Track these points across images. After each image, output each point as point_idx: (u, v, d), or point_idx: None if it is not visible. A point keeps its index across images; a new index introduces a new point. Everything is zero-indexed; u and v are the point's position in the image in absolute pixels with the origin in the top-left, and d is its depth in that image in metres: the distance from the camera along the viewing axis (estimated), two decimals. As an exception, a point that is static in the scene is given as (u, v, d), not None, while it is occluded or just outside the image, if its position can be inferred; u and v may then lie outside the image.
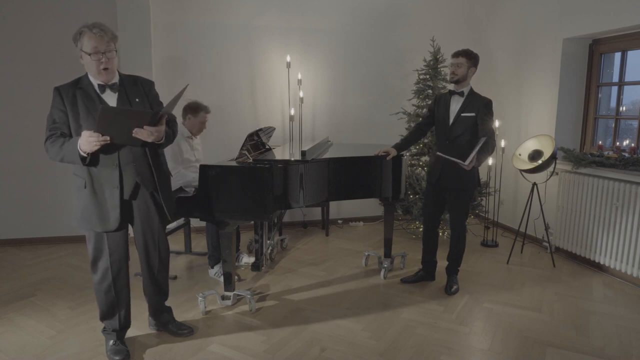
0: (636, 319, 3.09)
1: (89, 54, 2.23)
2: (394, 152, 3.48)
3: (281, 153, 3.63)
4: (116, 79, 2.38)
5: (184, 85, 2.45)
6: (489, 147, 3.20)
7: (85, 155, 2.19)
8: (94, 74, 2.30)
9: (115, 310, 2.55)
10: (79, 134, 2.24)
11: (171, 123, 2.50)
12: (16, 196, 4.46)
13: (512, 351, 2.68)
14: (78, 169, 2.35)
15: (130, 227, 2.55)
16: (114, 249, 2.45)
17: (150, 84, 2.54)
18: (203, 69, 4.79)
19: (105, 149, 2.26)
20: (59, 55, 4.33)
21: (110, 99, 2.35)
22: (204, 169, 2.93)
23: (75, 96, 2.28)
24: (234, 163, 3.08)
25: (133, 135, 2.19)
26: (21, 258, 4.16)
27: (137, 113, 2.26)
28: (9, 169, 4.41)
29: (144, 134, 2.20)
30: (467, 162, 3.03)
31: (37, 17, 4.30)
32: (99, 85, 2.32)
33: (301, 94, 4.99)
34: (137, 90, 2.43)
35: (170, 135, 2.46)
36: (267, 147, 3.59)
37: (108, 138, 2.15)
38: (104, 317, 2.58)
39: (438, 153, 3.25)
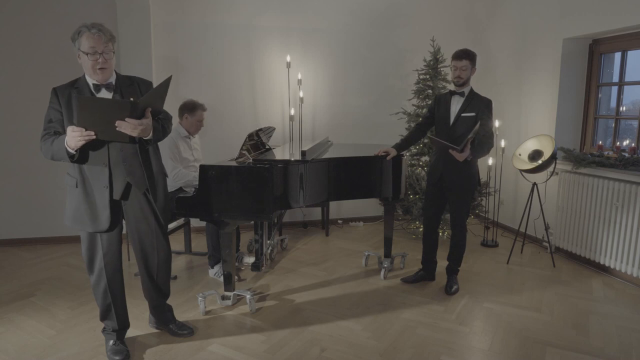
0: (636, 319, 3.09)
1: (87, 54, 2.22)
2: (393, 152, 3.48)
3: (281, 153, 3.63)
4: (112, 79, 2.36)
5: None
6: (486, 144, 3.24)
7: (73, 152, 2.17)
8: (90, 73, 2.29)
9: (112, 310, 2.54)
10: None
11: (163, 122, 2.43)
12: (16, 196, 4.46)
13: (512, 351, 2.68)
14: (71, 168, 2.34)
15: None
16: (107, 250, 2.44)
17: (148, 84, 2.50)
18: (203, 69, 4.79)
19: (93, 146, 2.24)
20: (59, 56, 4.33)
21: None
22: (204, 169, 2.93)
23: (70, 96, 2.26)
24: (234, 163, 3.08)
25: (117, 128, 2.12)
26: (21, 258, 4.16)
27: (114, 102, 2.19)
28: (9, 169, 4.41)
29: (128, 127, 2.12)
30: (460, 147, 3.03)
31: (37, 17, 4.29)
32: (94, 84, 2.31)
33: (301, 94, 4.99)
34: (132, 91, 2.39)
35: (159, 130, 2.37)
36: (267, 147, 3.59)
37: (92, 133, 2.11)
38: (103, 318, 2.58)
39: (430, 136, 3.23)
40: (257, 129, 3.31)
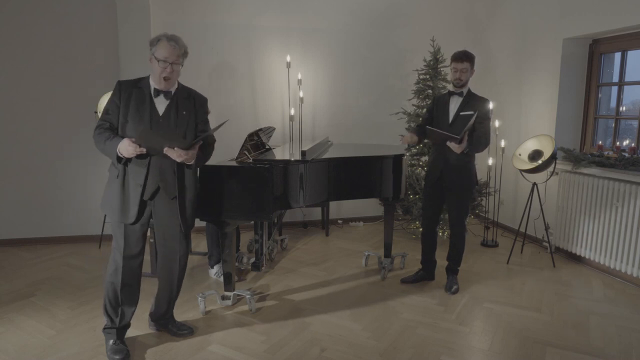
0: (636, 319, 3.09)
1: (158, 60, 2.40)
2: (415, 139, 3.43)
3: (281, 153, 3.63)
4: (173, 89, 2.51)
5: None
6: (483, 141, 3.24)
7: (121, 156, 2.35)
8: (155, 78, 2.46)
9: (118, 304, 2.56)
10: (123, 129, 2.42)
11: (207, 150, 2.63)
12: (16, 196, 4.46)
13: (512, 351, 2.68)
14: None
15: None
16: (129, 244, 2.52)
17: (204, 100, 2.65)
18: (203, 69, 4.79)
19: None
20: (59, 56, 4.33)
21: (161, 104, 2.48)
22: (204, 169, 2.93)
23: (131, 93, 2.44)
24: (234, 163, 3.08)
25: (164, 152, 2.36)
26: (21, 258, 4.16)
27: (171, 136, 2.40)
28: (9, 169, 4.41)
29: (174, 154, 2.35)
30: (459, 137, 3.04)
31: (37, 17, 4.29)
32: (155, 89, 2.47)
33: (301, 94, 4.99)
34: (187, 104, 2.54)
35: (202, 159, 2.59)
36: (267, 147, 3.59)
37: (145, 150, 2.33)
38: (107, 312, 2.58)
39: (428, 127, 3.22)
40: (257, 129, 3.31)
